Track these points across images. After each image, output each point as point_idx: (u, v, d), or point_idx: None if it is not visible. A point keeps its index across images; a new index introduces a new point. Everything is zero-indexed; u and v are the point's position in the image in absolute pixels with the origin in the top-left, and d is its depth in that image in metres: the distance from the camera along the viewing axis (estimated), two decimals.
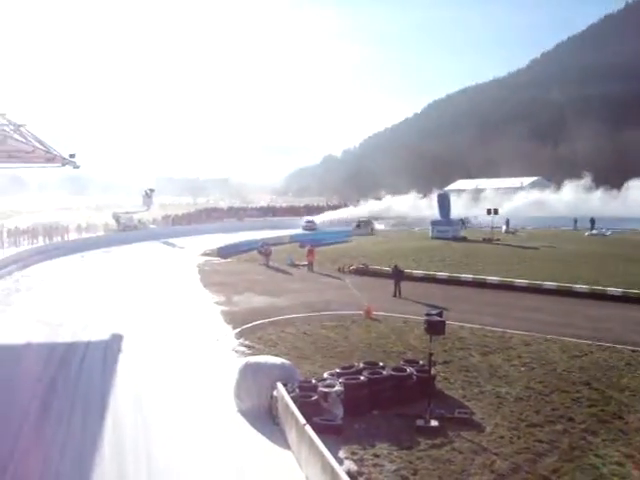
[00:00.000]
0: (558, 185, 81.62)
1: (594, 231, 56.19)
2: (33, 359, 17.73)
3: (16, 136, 24.63)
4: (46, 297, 27.79)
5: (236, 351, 18.29)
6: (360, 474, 10.52)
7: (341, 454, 11.11)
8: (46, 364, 17.10)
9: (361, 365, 14.88)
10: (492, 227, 51.85)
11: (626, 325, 20.88)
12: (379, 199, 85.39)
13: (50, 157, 30.32)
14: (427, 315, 13.58)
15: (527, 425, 12.57)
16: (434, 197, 65.68)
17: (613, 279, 28.01)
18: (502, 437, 12.03)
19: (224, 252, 46.46)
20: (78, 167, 35.36)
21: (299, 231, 65.68)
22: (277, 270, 37.40)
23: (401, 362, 15.49)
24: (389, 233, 61.95)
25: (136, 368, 16.84)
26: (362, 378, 13.81)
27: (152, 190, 72.90)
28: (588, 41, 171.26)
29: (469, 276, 30.75)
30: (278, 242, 49.11)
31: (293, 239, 53.78)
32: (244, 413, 13.29)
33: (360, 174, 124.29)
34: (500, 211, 55.81)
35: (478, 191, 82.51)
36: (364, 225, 66.74)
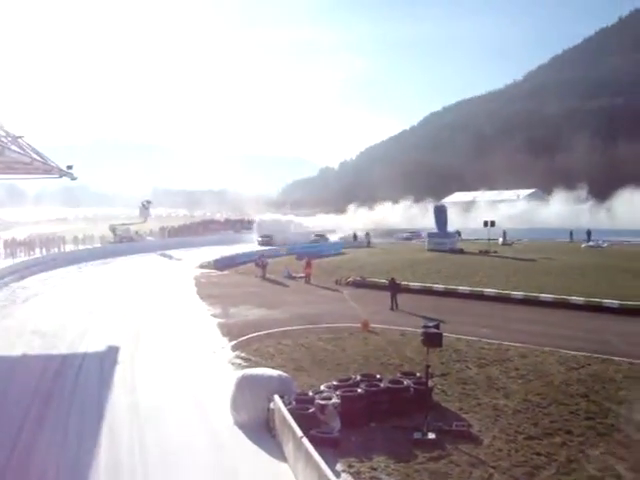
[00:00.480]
0: (553, 197, 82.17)
1: (591, 243, 56.25)
2: (29, 371, 17.67)
3: (14, 147, 24.66)
4: (42, 308, 27.71)
5: (232, 363, 18.24)
6: None
7: (338, 467, 11.07)
8: (42, 376, 17.03)
9: (358, 377, 14.83)
10: (489, 239, 51.86)
11: (623, 337, 20.81)
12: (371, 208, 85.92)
13: (48, 169, 30.36)
14: (424, 327, 13.57)
15: (525, 438, 12.52)
16: (430, 209, 66.09)
17: (610, 291, 27.97)
18: (500, 450, 11.98)
19: (221, 264, 46.39)
20: (75, 179, 35.42)
21: (252, 247, 60.40)
22: (274, 282, 37.34)
23: (398, 374, 15.45)
24: (386, 245, 61.84)
25: (132, 380, 16.78)
26: (359, 390, 13.79)
27: (149, 202, 72.96)
28: (583, 54, 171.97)
29: (466, 288, 30.73)
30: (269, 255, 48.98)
31: (290, 251, 53.67)
32: (241, 426, 13.22)
33: (357, 186, 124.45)
34: (494, 223, 55.74)
35: (470, 204, 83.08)
36: (366, 237, 65.99)
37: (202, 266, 46.46)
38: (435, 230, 56.65)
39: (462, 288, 30.85)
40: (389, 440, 12.41)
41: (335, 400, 13.05)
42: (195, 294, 32.62)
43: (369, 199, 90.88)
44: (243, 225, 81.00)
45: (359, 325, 22.65)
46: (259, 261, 40.50)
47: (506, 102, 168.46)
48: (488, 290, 29.78)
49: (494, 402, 14.65)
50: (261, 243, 65.97)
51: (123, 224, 66.35)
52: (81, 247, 56.00)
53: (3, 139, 24.13)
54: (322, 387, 14.33)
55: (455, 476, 10.94)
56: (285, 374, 14.59)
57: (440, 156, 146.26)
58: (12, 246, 48.79)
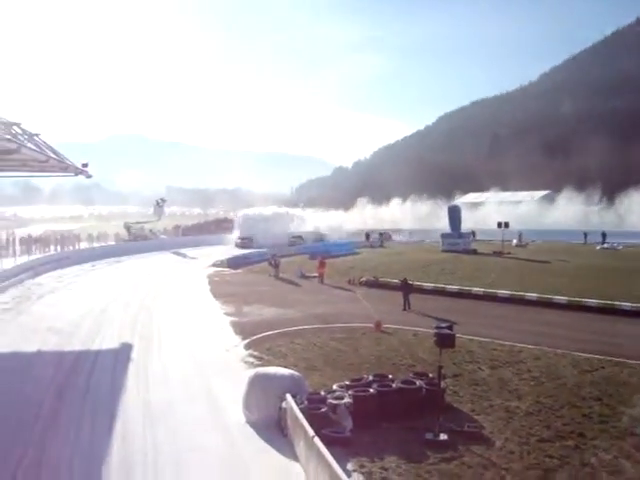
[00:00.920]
0: (566, 198, 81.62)
1: (605, 245, 55.87)
2: (43, 366, 17.82)
3: (30, 145, 24.84)
4: (57, 305, 27.90)
5: (245, 362, 18.31)
6: None
7: (349, 466, 11.07)
8: (56, 372, 17.18)
9: (370, 377, 14.84)
10: (503, 240, 51.64)
11: (637, 340, 20.67)
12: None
13: (63, 167, 30.54)
14: (437, 328, 13.54)
15: (537, 440, 12.46)
16: (443, 209, 65.87)
17: (625, 293, 27.75)
18: (512, 452, 11.93)
19: (234, 263, 46.52)
20: (90, 177, 35.62)
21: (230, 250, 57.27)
22: (287, 282, 37.40)
23: (410, 375, 15.43)
24: (399, 245, 61.71)
25: (145, 377, 16.88)
26: (371, 391, 13.80)
27: (163, 200, 73.18)
28: (598, 55, 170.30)
29: (479, 289, 30.61)
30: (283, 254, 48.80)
31: (303, 251, 53.65)
32: (253, 424, 13.26)
33: (370, 185, 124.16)
34: (508, 224, 55.41)
35: (484, 205, 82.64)
36: (380, 237, 65.28)
37: (215, 265, 46.60)
38: (449, 231, 56.60)
39: (476, 289, 30.74)
40: (401, 440, 12.39)
41: (347, 400, 13.07)
42: (208, 292, 32.76)
43: (382, 198, 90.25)
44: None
45: (372, 325, 22.63)
46: (272, 260, 40.57)
47: (520, 103, 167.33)
48: (502, 291, 29.65)
49: (506, 404, 14.59)
50: (239, 245, 61.17)
51: (137, 222, 66.59)
52: (95, 245, 56.31)
53: (19, 137, 24.30)
54: (334, 387, 14.35)
55: (467, 478, 10.91)
56: (297, 373, 14.63)
57: (454, 157, 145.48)
58: (27, 243, 49.13)
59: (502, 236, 51.86)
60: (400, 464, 11.37)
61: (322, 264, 37.54)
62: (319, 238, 64.45)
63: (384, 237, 65.41)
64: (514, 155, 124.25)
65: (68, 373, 17.25)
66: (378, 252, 55.32)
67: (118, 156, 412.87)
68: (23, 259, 41.25)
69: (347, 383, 14.46)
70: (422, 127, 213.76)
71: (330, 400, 13.06)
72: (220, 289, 33.55)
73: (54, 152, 28.17)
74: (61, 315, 25.34)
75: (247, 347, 20.10)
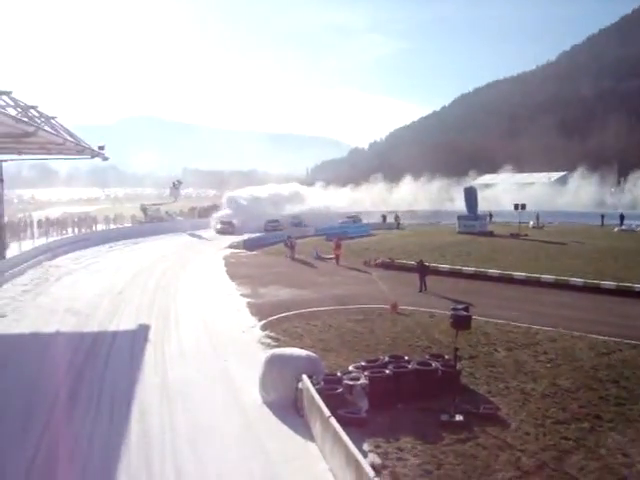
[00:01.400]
0: (582, 180, 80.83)
1: (623, 227, 55.43)
2: (62, 347, 18.01)
3: (47, 128, 24.97)
4: (75, 287, 28.18)
5: (262, 343, 18.39)
6: (384, 467, 10.50)
7: (365, 447, 11.12)
8: (75, 352, 17.39)
9: (386, 359, 14.87)
10: (519, 222, 51.36)
11: None
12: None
13: (80, 149, 30.73)
14: (453, 310, 13.53)
15: (553, 422, 12.46)
16: (459, 190, 65.49)
17: None
18: (527, 434, 11.94)
19: (250, 245, 46.67)
20: (107, 159, 35.84)
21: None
22: (303, 263, 37.48)
23: (426, 356, 15.45)
24: (415, 227, 61.54)
25: (162, 358, 17.04)
26: (387, 372, 13.82)
27: (179, 182, 73.33)
28: (619, 34, 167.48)
29: (495, 271, 30.49)
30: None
31: (319, 232, 53.68)
32: (269, 405, 13.36)
33: (385, 166, 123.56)
34: (525, 206, 55.01)
35: (500, 186, 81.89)
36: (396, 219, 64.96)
37: (232, 246, 46.81)
38: (464, 212, 56.39)
39: (492, 271, 30.62)
40: (416, 421, 12.44)
41: (363, 381, 13.13)
42: (225, 274, 32.90)
43: (397, 179, 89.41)
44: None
45: (388, 307, 22.65)
46: (288, 242, 40.63)
47: (538, 83, 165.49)
48: (518, 273, 29.52)
49: (522, 386, 14.59)
50: (220, 231, 58.06)
51: (154, 204, 66.84)
52: (112, 227, 56.64)
53: (36, 120, 24.43)
54: (350, 368, 14.40)
55: (482, 458, 10.92)
56: (314, 354, 14.70)
57: (470, 138, 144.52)
58: (45, 225, 49.53)
59: (519, 218, 51.59)
60: (416, 445, 11.41)
61: (338, 246, 37.55)
62: (298, 222, 60.43)
63: (398, 219, 65.12)
64: (530, 136, 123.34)
65: (86, 353, 17.46)
66: (394, 233, 55.26)
67: (134, 138, 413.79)
68: (41, 241, 41.59)
69: (363, 364, 14.48)
70: (438, 108, 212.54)
71: (346, 381, 13.12)
72: (236, 270, 33.68)
73: (70, 135, 28.33)
74: (79, 296, 25.59)
75: (263, 328, 20.20)
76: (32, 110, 24.07)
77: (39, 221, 51.06)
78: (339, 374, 13.76)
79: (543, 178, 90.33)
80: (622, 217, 57.61)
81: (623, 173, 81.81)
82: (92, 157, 34.43)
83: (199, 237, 54.72)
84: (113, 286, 28.04)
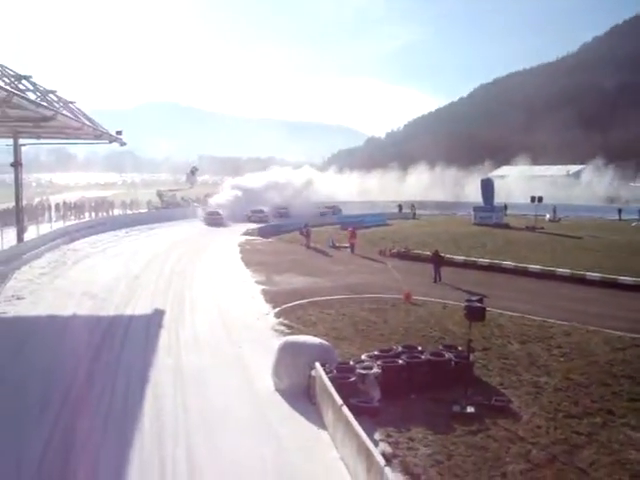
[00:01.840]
0: (600, 173, 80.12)
1: None
2: (79, 330, 18.19)
3: (66, 112, 25.14)
4: (91, 271, 28.37)
5: (275, 330, 18.46)
6: (395, 457, 10.56)
7: (376, 436, 11.16)
8: (91, 335, 17.54)
9: (399, 348, 14.90)
10: (535, 215, 51.09)
11: None
12: None
13: (98, 134, 30.95)
14: (467, 301, 13.51)
15: (565, 416, 12.44)
16: (474, 181, 65.23)
17: None
18: (539, 427, 11.94)
19: (265, 232, 46.81)
20: (125, 144, 36.05)
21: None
22: (318, 251, 37.54)
23: (440, 347, 15.47)
24: (431, 217, 61.39)
25: (177, 342, 17.16)
26: (400, 361, 13.85)
27: (196, 168, 73.55)
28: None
29: (510, 263, 30.41)
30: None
31: (335, 221, 53.70)
32: (282, 392, 13.43)
33: (401, 156, 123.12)
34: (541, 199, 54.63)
35: (517, 178, 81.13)
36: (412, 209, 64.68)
37: (247, 233, 46.89)
38: (480, 204, 56.23)
39: (507, 263, 30.54)
40: (428, 412, 12.47)
41: (376, 370, 13.16)
42: (240, 260, 32.95)
43: (410, 169, 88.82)
44: None
45: (402, 296, 22.66)
46: (303, 230, 40.69)
47: (559, 75, 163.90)
48: (533, 266, 29.41)
49: (535, 379, 14.57)
50: (209, 222, 53.27)
51: (170, 190, 67.10)
52: (128, 212, 56.97)
53: (55, 104, 24.61)
54: (363, 357, 14.42)
55: (493, 450, 10.95)
56: (327, 342, 14.76)
57: (488, 129, 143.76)
58: (63, 209, 49.93)
59: (535, 211, 51.33)
60: (427, 435, 11.45)
61: (353, 234, 37.58)
62: (284, 212, 58.79)
63: (414, 209, 64.94)
64: (548, 128, 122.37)
65: (102, 336, 17.60)
66: (410, 223, 55.18)
67: (151, 124, 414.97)
68: (59, 225, 41.92)
69: (376, 353, 14.53)
70: (456, 99, 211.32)
71: (359, 370, 13.14)
72: (251, 257, 33.74)
73: (89, 119, 28.54)
74: (96, 280, 25.76)
75: (277, 315, 20.25)
76: (51, 95, 24.28)
77: (57, 205, 51.55)
78: (352, 363, 13.78)
79: (561, 171, 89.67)
80: None
81: None
82: (110, 142, 34.67)
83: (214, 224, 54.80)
84: (129, 271, 28.21)
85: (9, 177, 44.03)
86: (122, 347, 16.77)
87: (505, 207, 58.00)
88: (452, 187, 78.24)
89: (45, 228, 38.96)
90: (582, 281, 26.89)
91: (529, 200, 53.40)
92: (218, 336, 17.92)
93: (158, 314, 20.40)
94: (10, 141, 32.57)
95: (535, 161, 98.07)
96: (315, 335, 15.94)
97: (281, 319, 19.74)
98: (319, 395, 12.43)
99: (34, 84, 22.65)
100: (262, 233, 46.32)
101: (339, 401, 10.87)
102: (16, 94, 19.19)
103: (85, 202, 55.90)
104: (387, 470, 8.18)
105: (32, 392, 13.15)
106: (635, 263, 30.35)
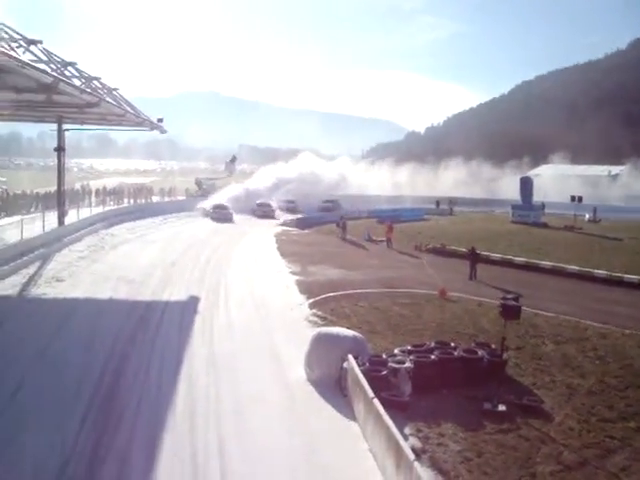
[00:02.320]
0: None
1: None
2: (115, 314, 18.53)
3: (109, 99, 25.51)
4: (129, 256, 28.81)
5: (309, 321, 18.60)
6: (424, 452, 10.59)
7: (406, 430, 11.19)
8: (127, 319, 17.86)
9: (432, 344, 14.87)
10: (575, 214, 50.34)
11: None
12: None
13: (139, 121, 31.35)
14: (502, 299, 13.45)
15: (598, 419, 12.31)
16: (513, 180, 64.48)
17: None
18: (571, 429, 11.84)
19: (302, 223, 46.94)
20: (165, 132, 36.48)
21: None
22: (353, 244, 37.57)
23: (473, 344, 15.42)
24: (468, 214, 60.89)
25: (211, 329, 17.38)
26: (432, 357, 13.86)
27: (235, 157, 73.82)
28: None
29: (547, 263, 30.04)
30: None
31: (371, 214, 53.53)
32: (313, 382, 13.54)
33: (440, 151, 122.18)
34: (581, 198, 53.71)
35: (558, 177, 79.62)
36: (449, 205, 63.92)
37: (284, 224, 47.10)
38: (518, 201, 55.66)
39: (544, 263, 30.18)
40: (459, 408, 12.47)
41: (408, 365, 13.17)
42: (275, 250, 33.15)
43: (448, 164, 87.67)
44: None
45: (436, 292, 22.59)
46: (340, 222, 40.72)
47: (605, 73, 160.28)
48: (571, 267, 29.01)
49: (568, 380, 14.41)
50: (216, 218, 47.93)
51: (209, 178, 67.47)
52: (167, 199, 57.54)
53: (100, 91, 24.98)
54: (396, 351, 14.42)
55: (523, 450, 10.90)
56: (360, 335, 14.80)
57: (529, 127, 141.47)
58: (102, 195, 50.69)
59: (574, 210, 50.60)
60: (457, 431, 11.46)
61: (390, 229, 37.44)
62: (292, 206, 56.63)
63: (451, 205, 64.34)
64: (592, 128, 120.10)
65: (138, 321, 17.91)
66: (447, 220, 54.85)
67: (191, 112, 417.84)
68: (98, 210, 42.58)
69: (409, 348, 14.51)
70: (497, 95, 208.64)
71: (391, 364, 13.17)
72: (287, 248, 33.89)
73: (131, 106, 28.92)
74: (133, 265, 26.17)
75: (311, 307, 20.36)
76: (95, 81, 24.66)
77: (97, 190, 52.32)
78: (384, 356, 13.80)
79: (602, 171, 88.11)
80: None
81: None
82: (151, 129, 35.11)
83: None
84: (166, 257, 28.59)
85: (52, 162, 44.78)
86: (157, 331, 17.08)
87: (543, 206, 57.23)
88: (488, 184, 77.30)
89: (85, 213, 39.59)
90: (620, 283, 26.45)
91: (568, 200, 52.63)
92: (252, 324, 18.11)
93: (193, 300, 20.67)
94: (54, 126, 33.16)
95: (574, 161, 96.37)
96: (348, 327, 15.98)
97: (315, 310, 19.84)
98: (350, 387, 12.49)
99: (79, 71, 23.02)
100: (299, 224, 46.47)
101: (370, 394, 10.91)
102: (62, 80, 19.54)
103: (124, 188, 56.62)
104: (416, 464, 8.22)
105: (70, 370, 13.52)
106: None
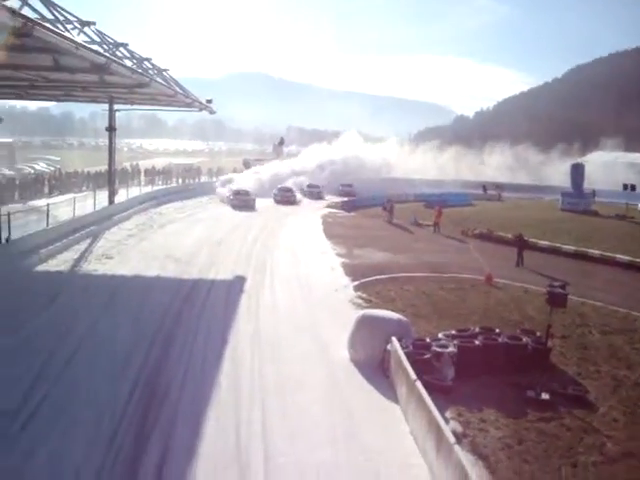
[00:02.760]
0: None
1: None
2: (162, 291, 18.90)
3: (159, 80, 25.83)
4: (176, 235, 29.30)
5: (354, 303, 18.65)
6: (465, 436, 10.60)
7: (448, 414, 11.21)
8: (174, 297, 18.20)
9: (477, 329, 14.80)
10: (627, 203, 49.12)
11: None
12: None
13: (189, 102, 31.68)
14: (549, 287, 13.29)
15: None
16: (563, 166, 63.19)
17: None
18: (616, 420, 11.68)
19: (348, 206, 46.89)
20: (214, 113, 36.80)
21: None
22: (400, 227, 37.42)
23: (517, 331, 15.28)
24: (516, 200, 59.93)
25: (256, 309, 17.61)
26: (476, 342, 13.81)
27: (283, 140, 73.94)
28: None
29: (597, 252, 29.43)
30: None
31: (418, 198, 53.10)
32: (356, 363, 13.64)
33: (489, 136, 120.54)
34: (634, 187, 52.29)
35: (610, 165, 77.41)
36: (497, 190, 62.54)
37: (330, 206, 47.13)
38: (567, 188, 54.57)
39: (592, 251, 29.59)
40: (501, 395, 12.41)
41: (452, 349, 13.16)
42: (321, 232, 33.27)
43: (496, 149, 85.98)
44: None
45: (482, 278, 22.43)
46: (387, 205, 40.53)
47: None
48: (621, 256, 28.38)
49: (614, 372, 14.19)
50: (236, 205, 42.13)
51: (257, 159, 67.79)
52: (214, 179, 58.09)
53: (150, 71, 25.30)
54: (440, 335, 14.41)
55: (565, 439, 10.81)
56: (404, 318, 14.81)
57: (582, 112, 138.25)
58: (151, 174, 51.51)
59: (626, 199, 49.38)
60: (498, 418, 11.42)
61: (439, 213, 37.08)
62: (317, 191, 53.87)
63: (499, 190, 63.21)
64: None
65: (184, 299, 18.23)
66: (495, 205, 54.19)
67: (240, 94, 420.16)
68: (147, 189, 43.32)
69: (453, 333, 14.49)
70: (550, 79, 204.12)
71: (435, 347, 13.18)
72: (333, 230, 33.97)
73: (181, 87, 29.23)
74: (180, 244, 26.60)
75: (356, 289, 20.42)
76: (146, 62, 24.96)
77: (146, 170, 53.18)
78: (428, 340, 13.82)
79: None
80: None
81: None
82: (200, 110, 35.45)
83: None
84: (213, 236, 28.96)
85: (103, 141, 45.57)
86: (203, 309, 17.37)
87: (594, 193, 55.98)
88: (534, 169, 75.75)
89: (134, 192, 40.33)
90: None
91: (620, 188, 51.32)
92: (297, 304, 18.29)
93: (239, 280, 20.94)
94: (106, 106, 33.78)
95: (628, 148, 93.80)
96: (393, 310, 15.97)
97: (359, 292, 19.90)
98: (393, 369, 12.56)
99: (130, 51, 23.34)
100: (345, 207, 46.44)
101: (413, 376, 10.96)
102: (114, 61, 19.87)
103: (173, 168, 57.38)
104: (457, 448, 8.26)
105: (118, 344, 13.93)
106: None
